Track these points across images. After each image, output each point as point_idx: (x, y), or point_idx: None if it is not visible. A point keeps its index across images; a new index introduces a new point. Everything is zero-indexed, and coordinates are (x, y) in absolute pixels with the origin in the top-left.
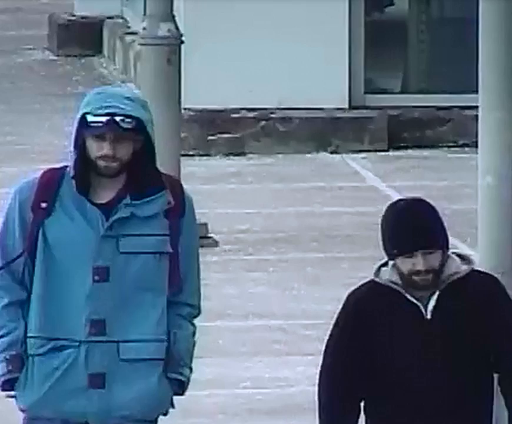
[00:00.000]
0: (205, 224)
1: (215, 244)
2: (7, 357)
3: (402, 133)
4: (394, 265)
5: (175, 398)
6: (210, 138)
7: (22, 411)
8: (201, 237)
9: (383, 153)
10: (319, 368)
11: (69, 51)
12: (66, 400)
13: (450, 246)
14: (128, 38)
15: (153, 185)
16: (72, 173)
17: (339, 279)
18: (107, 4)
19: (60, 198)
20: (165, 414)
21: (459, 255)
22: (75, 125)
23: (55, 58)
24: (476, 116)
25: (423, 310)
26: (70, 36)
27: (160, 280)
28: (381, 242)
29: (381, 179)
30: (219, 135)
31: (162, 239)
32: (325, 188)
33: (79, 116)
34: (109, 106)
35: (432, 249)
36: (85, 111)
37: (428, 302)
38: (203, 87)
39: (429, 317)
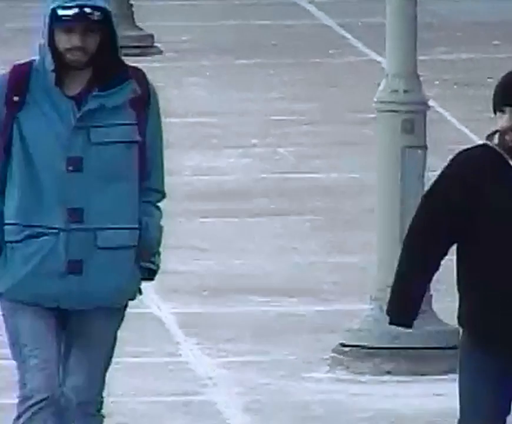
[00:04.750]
0: (151, 35)
1: (160, 52)
2: None
3: None
4: None
5: None
6: None
7: (1, 295)
8: (147, 46)
9: None
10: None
11: None
12: (43, 284)
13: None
14: None
15: (119, 76)
16: (51, 67)
17: (268, 82)
18: None
19: (31, 92)
20: (132, 299)
21: None
22: (46, 20)
23: None
24: None
25: None
26: None
27: (131, 169)
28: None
29: None
30: None
31: (130, 128)
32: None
33: (48, 11)
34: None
35: None
36: (54, 5)
37: None
38: None
39: None
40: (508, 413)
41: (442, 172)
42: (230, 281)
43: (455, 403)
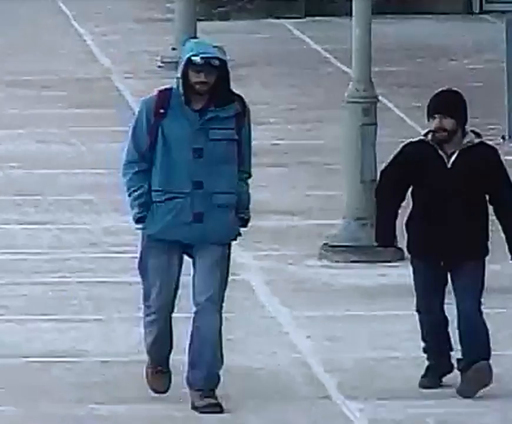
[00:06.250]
0: None
1: None
2: (140, 203)
3: None
4: None
5: None
6: None
7: (149, 236)
8: None
9: None
10: (377, 182)
11: None
12: (178, 228)
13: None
14: None
15: (228, 99)
16: (182, 92)
17: (276, 84)
18: None
19: (171, 107)
20: (235, 239)
21: (475, 132)
22: (183, 63)
23: None
24: None
25: (446, 162)
26: None
27: (233, 157)
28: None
29: None
30: None
31: (232, 131)
32: (272, 36)
33: (185, 58)
34: (206, 52)
35: (446, 115)
36: (189, 54)
37: (450, 158)
38: None
39: (449, 166)
40: (443, 301)
41: (396, 156)
42: (256, 206)
43: (394, 280)
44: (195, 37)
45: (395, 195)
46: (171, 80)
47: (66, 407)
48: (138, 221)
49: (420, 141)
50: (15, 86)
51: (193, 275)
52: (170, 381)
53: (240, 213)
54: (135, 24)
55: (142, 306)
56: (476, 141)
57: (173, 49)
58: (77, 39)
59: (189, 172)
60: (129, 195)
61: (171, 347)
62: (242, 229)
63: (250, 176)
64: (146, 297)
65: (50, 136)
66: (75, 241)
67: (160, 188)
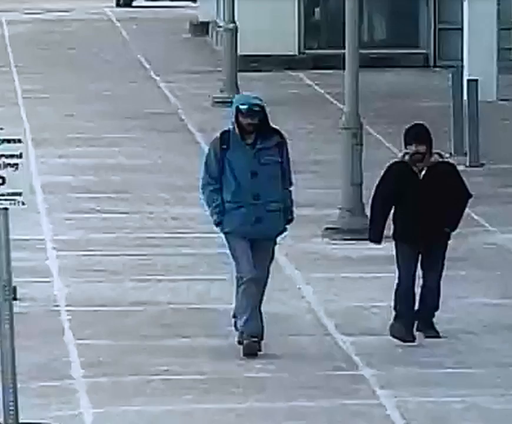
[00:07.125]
0: None
1: None
2: (216, 212)
3: None
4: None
5: None
6: None
7: (226, 233)
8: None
9: None
10: (371, 198)
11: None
12: (245, 228)
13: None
14: None
15: (269, 133)
16: (237, 132)
17: (288, 118)
18: None
19: (230, 143)
20: (281, 233)
21: (438, 154)
22: (233, 111)
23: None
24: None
25: (419, 175)
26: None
27: (278, 175)
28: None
29: None
30: None
31: (276, 157)
32: (285, 84)
33: (234, 107)
34: (249, 101)
35: (420, 143)
36: (237, 104)
37: (421, 172)
38: None
39: (421, 178)
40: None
41: (384, 175)
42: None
43: (376, 253)
44: (238, 92)
45: (385, 206)
46: (219, 112)
47: (142, 340)
48: (217, 224)
49: (400, 161)
50: (111, 118)
51: (252, 256)
52: (259, 345)
53: (286, 215)
54: (194, 74)
55: (235, 286)
56: (440, 159)
57: (221, 91)
58: (154, 85)
59: (249, 188)
60: (208, 207)
61: (262, 326)
62: (287, 226)
63: (291, 184)
64: (239, 270)
65: (135, 152)
66: (153, 225)
67: (230, 200)
